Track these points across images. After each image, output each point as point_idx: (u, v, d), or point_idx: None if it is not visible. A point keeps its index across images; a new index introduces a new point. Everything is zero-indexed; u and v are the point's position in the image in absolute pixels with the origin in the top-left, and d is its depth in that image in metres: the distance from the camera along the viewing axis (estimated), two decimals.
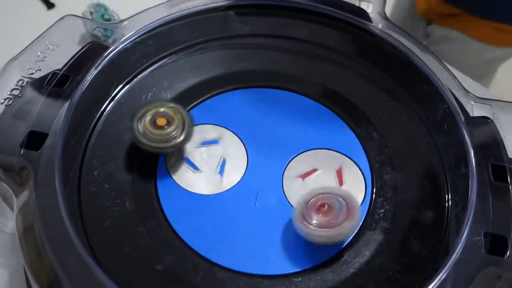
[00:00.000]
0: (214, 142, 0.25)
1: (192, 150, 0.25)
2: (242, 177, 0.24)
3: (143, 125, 0.23)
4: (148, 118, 0.23)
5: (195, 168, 0.24)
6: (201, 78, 0.28)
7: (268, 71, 0.28)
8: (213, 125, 0.26)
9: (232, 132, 0.25)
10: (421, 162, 0.25)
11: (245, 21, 0.29)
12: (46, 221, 0.20)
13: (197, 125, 0.25)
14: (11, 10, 0.37)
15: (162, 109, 0.23)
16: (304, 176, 0.24)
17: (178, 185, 0.24)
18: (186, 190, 0.23)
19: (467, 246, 0.20)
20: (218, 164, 0.24)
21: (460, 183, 0.23)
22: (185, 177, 0.24)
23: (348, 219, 0.21)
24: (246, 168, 0.24)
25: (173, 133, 0.23)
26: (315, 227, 0.21)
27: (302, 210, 0.21)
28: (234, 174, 0.24)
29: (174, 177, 0.24)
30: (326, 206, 0.21)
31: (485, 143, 0.24)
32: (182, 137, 0.23)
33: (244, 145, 0.25)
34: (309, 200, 0.22)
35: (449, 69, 0.26)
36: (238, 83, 0.27)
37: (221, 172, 0.24)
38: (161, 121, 0.23)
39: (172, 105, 0.24)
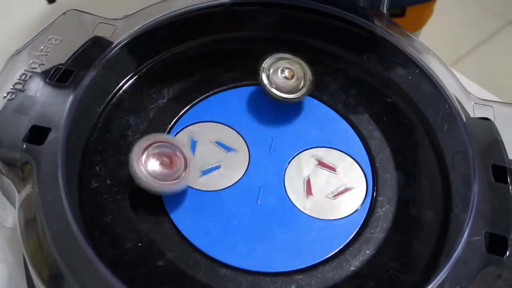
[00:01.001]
0: (229, 149, 0.25)
1: (205, 144, 0.25)
2: (243, 174, 0.24)
3: (272, 76, 0.25)
4: (276, 69, 0.25)
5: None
6: (205, 74, 0.28)
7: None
8: (219, 124, 0.26)
9: (233, 129, 0.26)
10: (422, 162, 0.25)
11: (248, 18, 0.29)
12: (48, 216, 0.20)
13: (205, 122, 0.26)
14: (11, 3, 0.37)
15: (285, 62, 0.25)
16: (306, 175, 0.24)
17: None
18: (188, 186, 0.23)
19: (467, 245, 0.20)
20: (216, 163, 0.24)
21: (460, 183, 0.23)
22: None
23: (181, 180, 0.22)
24: (248, 165, 0.24)
25: (299, 85, 0.25)
26: (148, 174, 0.21)
27: (141, 151, 0.21)
28: (234, 173, 0.24)
29: None
30: (167, 159, 0.22)
31: (486, 144, 0.24)
32: (305, 89, 0.25)
33: (246, 142, 0.25)
34: (152, 144, 0.22)
35: (450, 70, 0.27)
36: (241, 80, 0.27)
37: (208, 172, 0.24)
38: (289, 73, 0.25)
39: (294, 58, 0.26)
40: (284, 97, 0.25)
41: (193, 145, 0.25)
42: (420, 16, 0.40)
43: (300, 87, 0.25)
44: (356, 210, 0.23)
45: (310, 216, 0.23)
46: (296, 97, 0.25)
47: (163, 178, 0.21)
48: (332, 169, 0.25)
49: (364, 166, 0.25)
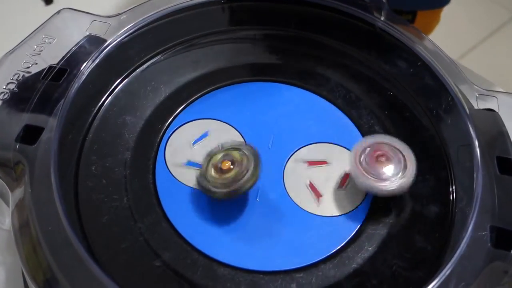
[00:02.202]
0: (204, 135, 0.24)
1: (190, 152, 0.24)
2: None
3: (208, 175, 0.21)
4: (211, 167, 0.21)
5: (200, 166, 0.24)
6: (202, 71, 0.27)
7: (268, 64, 0.28)
8: (217, 121, 0.25)
9: (231, 126, 0.25)
10: (425, 156, 0.24)
11: (244, 14, 0.29)
12: (41, 217, 0.20)
13: (202, 119, 0.25)
14: (8, 4, 0.37)
15: (224, 153, 0.22)
16: (309, 164, 0.24)
17: (177, 180, 0.23)
18: (185, 185, 0.23)
19: (472, 240, 0.20)
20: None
21: (465, 176, 0.23)
22: (184, 172, 0.23)
23: (405, 174, 0.21)
24: None
25: (241, 174, 0.21)
26: (372, 177, 0.21)
27: (359, 157, 0.22)
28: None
29: (173, 172, 0.23)
30: (385, 157, 0.21)
31: (490, 135, 0.23)
32: (247, 176, 0.21)
33: (244, 139, 0.25)
34: (368, 147, 0.22)
35: (453, 61, 0.26)
36: (239, 77, 0.27)
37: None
38: (225, 165, 0.21)
39: (235, 146, 0.22)
40: (226, 192, 0.21)
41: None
42: (429, 23, 0.39)
43: (242, 176, 0.21)
44: (358, 206, 0.23)
45: (310, 213, 0.22)
46: (238, 188, 0.21)
47: (379, 177, 0.21)
48: (321, 162, 0.24)
49: None
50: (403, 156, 0.22)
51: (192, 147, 0.24)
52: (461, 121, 0.24)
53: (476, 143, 0.23)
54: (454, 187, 0.23)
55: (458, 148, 0.24)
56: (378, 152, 0.21)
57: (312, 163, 0.24)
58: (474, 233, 0.20)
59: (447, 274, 0.19)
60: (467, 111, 0.24)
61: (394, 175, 0.21)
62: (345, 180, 0.23)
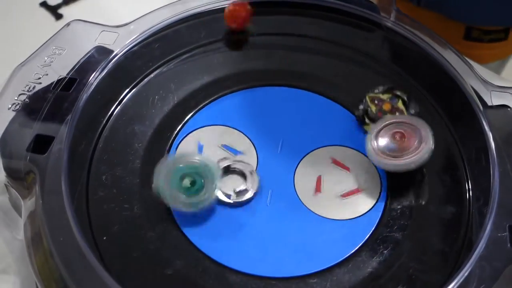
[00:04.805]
0: (235, 152, 0.24)
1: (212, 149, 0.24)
2: None
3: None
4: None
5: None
6: (209, 79, 0.27)
7: (276, 69, 0.28)
8: (225, 127, 0.25)
9: (240, 131, 0.25)
10: (439, 156, 0.24)
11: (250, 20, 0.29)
12: (53, 227, 0.20)
13: (211, 126, 0.25)
14: (20, 20, 0.38)
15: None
16: (317, 175, 0.23)
17: None
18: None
19: (491, 241, 0.19)
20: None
21: (481, 175, 0.22)
22: None
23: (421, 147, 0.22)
24: (256, 167, 0.24)
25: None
26: (388, 156, 0.22)
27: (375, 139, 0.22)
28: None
29: None
30: (399, 134, 0.22)
31: (506, 132, 0.23)
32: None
33: (253, 144, 0.24)
34: (382, 128, 0.22)
35: (464, 59, 0.26)
36: (246, 83, 0.27)
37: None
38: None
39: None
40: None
41: (200, 149, 0.24)
42: None
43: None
44: (371, 208, 0.22)
45: (322, 217, 0.22)
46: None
47: (395, 155, 0.22)
48: (345, 167, 0.24)
49: None
50: (420, 133, 0.22)
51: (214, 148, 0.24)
52: (475, 119, 0.23)
53: (492, 140, 0.22)
54: (470, 187, 0.22)
55: (472, 147, 0.23)
56: (394, 130, 0.22)
57: (335, 162, 0.23)
58: (492, 233, 0.19)
59: (466, 276, 0.18)
60: (481, 108, 0.23)
61: (410, 151, 0.22)
62: (351, 193, 0.23)
